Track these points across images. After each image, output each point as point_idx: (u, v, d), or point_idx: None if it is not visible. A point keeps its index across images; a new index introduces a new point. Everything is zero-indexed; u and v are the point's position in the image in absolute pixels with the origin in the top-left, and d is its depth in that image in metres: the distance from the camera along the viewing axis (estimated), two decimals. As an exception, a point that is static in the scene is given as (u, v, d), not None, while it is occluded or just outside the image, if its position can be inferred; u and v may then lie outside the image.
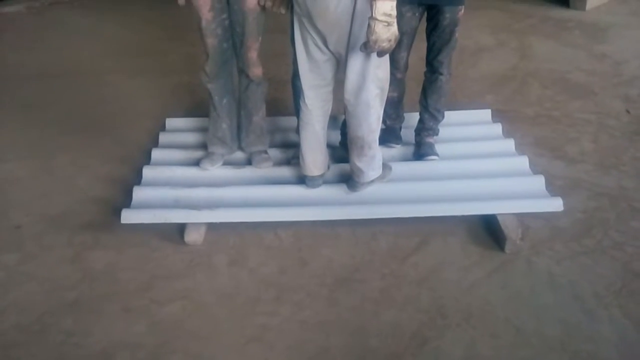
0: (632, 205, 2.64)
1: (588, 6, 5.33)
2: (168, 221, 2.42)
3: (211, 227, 2.47)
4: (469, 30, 4.55)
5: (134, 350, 1.96)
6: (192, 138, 3.02)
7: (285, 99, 3.37)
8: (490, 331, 2.00)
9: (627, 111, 3.52)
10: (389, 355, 1.92)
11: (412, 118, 2.99)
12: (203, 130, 3.05)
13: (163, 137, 3.04)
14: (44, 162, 3.04)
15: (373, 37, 1.99)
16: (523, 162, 2.75)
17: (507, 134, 3.08)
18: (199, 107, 3.56)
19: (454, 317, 2.06)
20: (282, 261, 2.34)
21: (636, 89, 3.79)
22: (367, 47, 2.05)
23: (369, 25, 1.99)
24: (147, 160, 2.88)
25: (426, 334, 1.99)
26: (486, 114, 3.23)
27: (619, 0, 5.63)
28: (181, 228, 2.47)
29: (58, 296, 2.18)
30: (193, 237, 2.40)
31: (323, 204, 2.50)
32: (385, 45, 2.01)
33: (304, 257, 2.36)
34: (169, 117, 3.29)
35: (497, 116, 3.27)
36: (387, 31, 1.98)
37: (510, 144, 2.92)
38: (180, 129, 3.13)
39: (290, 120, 3.12)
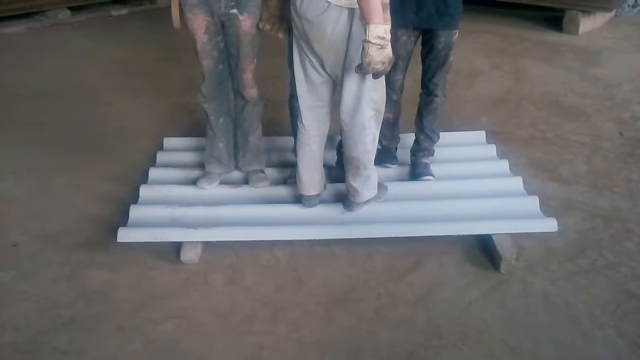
0: (625, 226, 2.66)
1: (581, 30, 5.44)
2: (164, 240, 2.42)
3: (207, 246, 2.48)
4: (464, 53, 4.62)
5: (128, 369, 1.95)
6: (189, 157, 3.04)
7: (282, 119, 3.40)
8: (486, 351, 2.00)
9: (621, 133, 3.56)
10: (385, 375, 1.92)
11: (407, 139, 3.03)
12: (200, 149, 3.07)
13: (161, 157, 3.06)
14: (42, 181, 3.05)
15: (367, 60, 2.02)
16: (517, 183, 2.78)
17: (501, 155, 3.11)
18: (196, 127, 3.59)
19: (450, 337, 2.06)
20: (278, 280, 2.34)
21: (629, 111, 3.85)
22: (362, 69, 2.08)
23: (362, 47, 2.03)
24: (145, 179, 2.90)
25: (422, 354, 1.99)
26: (481, 135, 3.27)
27: (610, 25, 5.75)
28: (177, 247, 2.47)
29: (53, 315, 2.17)
30: (189, 256, 2.40)
31: (319, 224, 2.51)
32: (379, 67, 2.04)
33: (300, 276, 2.36)
34: (166, 136, 3.32)
35: (491, 137, 3.31)
36: (380, 54, 2.01)
37: (504, 165, 2.95)
38: (177, 148, 3.15)
39: (287, 140, 3.14)
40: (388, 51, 2.03)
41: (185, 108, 3.91)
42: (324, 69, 2.32)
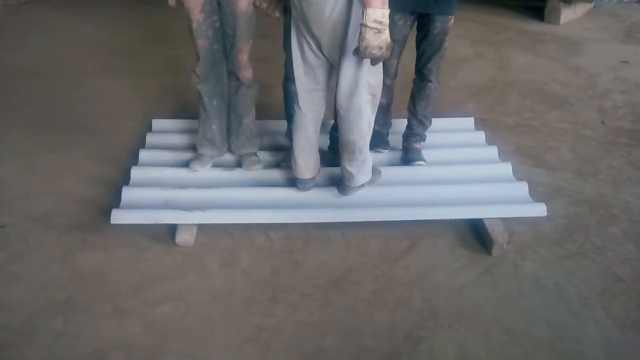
0: (610, 211, 2.73)
1: (562, 20, 5.51)
2: (159, 222, 2.40)
3: (202, 228, 2.47)
4: (449, 41, 4.63)
5: (128, 350, 1.94)
6: (179, 139, 3.01)
7: (271, 103, 3.39)
8: (481, 331, 2.05)
9: (602, 122, 3.65)
10: (384, 355, 1.95)
11: (398, 124, 3.05)
12: (190, 132, 3.05)
13: (150, 138, 3.02)
14: (27, 162, 2.98)
15: (364, 44, 2.02)
16: (506, 168, 2.83)
17: (489, 141, 3.16)
18: (183, 109, 3.56)
19: (446, 318, 2.10)
20: (274, 263, 2.35)
21: (610, 101, 3.94)
22: (359, 54, 2.08)
23: (360, 31, 2.02)
24: (134, 161, 2.86)
25: (420, 334, 2.03)
26: (469, 121, 3.31)
27: (590, 16, 5.83)
28: (171, 229, 2.46)
29: (47, 296, 2.14)
30: (184, 238, 2.38)
31: (315, 207, 2.52)
32: (376, 52, 2.04)
33: (296, 259, 2.37)
34: (153, 118, 3.27)
35: (478, 124, 3.35)
36: (377, 38, 2.01)
37: (493, 151, 2.99)
38: (167, 130, 3.11)
39: (278, 124, 3.14)
40: (385, 36, 2.03)
41: (172, 89, 3.85)
42: (321, 51, 2.31)
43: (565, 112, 3.77)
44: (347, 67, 2.25)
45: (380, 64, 2.25)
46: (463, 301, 2.18)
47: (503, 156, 3.03)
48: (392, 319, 2.09)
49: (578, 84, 4.21)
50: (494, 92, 4.06)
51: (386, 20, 2.01)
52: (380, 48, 2.04)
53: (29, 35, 4.81)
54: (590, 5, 5.85)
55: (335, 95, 2.35)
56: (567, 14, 5.57)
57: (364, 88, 2.29)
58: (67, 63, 4.23)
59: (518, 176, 2.84)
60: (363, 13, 1.99)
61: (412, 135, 2.89)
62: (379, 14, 1.98)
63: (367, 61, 2.19)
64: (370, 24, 1.98)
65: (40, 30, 4.95)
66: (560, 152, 3.28)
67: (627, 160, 3.19)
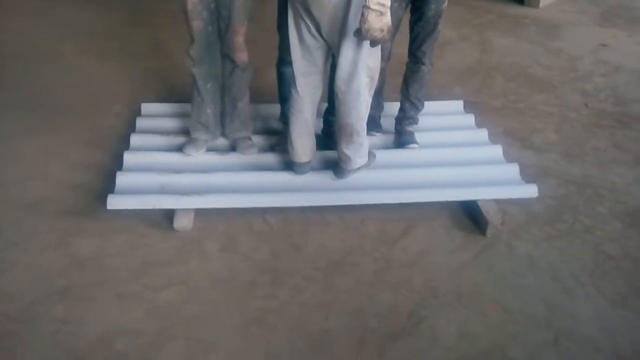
0: (597, 192, 2.81)
1: (541, 4, 5.58)
2: (157, 207, 2.38)
3: (199, 213, 2.45)
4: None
5: (133, 336, 1.93)
6: (170, 123, 2.97)
7: (261, 86, 3.36)
8: (480, 310, 2.10)
9: (585, 105, 3.73)
10: (388, 334, 1.99)
11: (390, 107, 3.06)
12: (181, 115, 3.02)
13: (140, 122, 2.97)
14: (13, 147, 2.91)
15: (365, 26, 2.02)
16: (497, 151, 2.88)
17: (477, 124, 3.20)
18: (170, 93, 3.51)
19: (446, 297, 2.15)
20: (274, 246, 2.36)
21: (592, 83, 4.02)
22: (360, 35, 2.08)
23: (362, 13, 2.02)
24: (124, 145, 2.82)
25: (421, 313, 2.07)
26: (459, 104, 3.34)
27: (568, 0, 5.91)
28: (167, 214, 2.44)
29: (46, 284, 2.11)
30: (183, 223, 2.37)
31: (311, 190, 2.53)
32: (378, 34, 2.05)
33: (295, 242, 2.38)
34: (139, 102, 3.22)
35: (466, 107, 3.39)
36: (379, 20, 2.02)
37: (483, 133, 3.04)
38: (157, 114, 3.07)
39: (269, 107, 3.12)
40: (387, 18, 2.04)
41: (156, 73, 3.79)
42: (320, 33, 2.31)
43: (549, 94, 3.84)
44: (347, 50, 2.25)
45: (379, 47, 2.26)
46: (461, 281, 2.23)
47: (492, 138, 3.07)
48: (394, 299, 2.12)
49: (560, 67, 4.28)
50: (479, 75, 4.11)
51: (388, 3, 2.01)
52: (382, 30, 2.04)
53: (3, 17, 4.65)
54: (568, -11, 5.93)
55: (334, 77, 2.34)
56: (547, -2, 5.64)
57: (363, 71, 2.29)
58: (46, 46, 4.11)
59: (507, 158, 2.89)
60: None
61: (404, 119, 2.91)
62: None
63: (366, 43, 2.19)
64: (373, 6, 1.98)
65: (13, 10, 4.78)
66: (546, 134, 3.34)
67: (611, 142, 3.27)
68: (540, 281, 2.26)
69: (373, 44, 2.15)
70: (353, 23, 2.16)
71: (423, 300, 2.13)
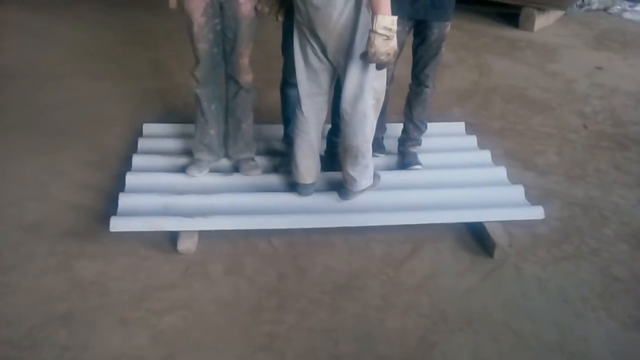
0: (601, 213, 2.80)
1: (536, 27, 5.66)
2: (161, 229, 2.34)
3: (203, 235, 2.41)
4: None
5: (137, 363, 1.88)
6: (172, 144, 2.95)
7: (261, 107, 3.34)
8: (491, 335, 2.07)
9: (585, 126, 3.75)
10: (399, 361, 1.95)
11: (392, 128, 3.06)
12: (183, 136, 2.99)
13: (142, 143, 2.94)
14: (13, 167, 2.87)
15: (372, 50, 2.03)
16: (501, 172, 2.87)
17: (479, 145, 3.20)
18: (171, 113, 3.50)
19: (456, 321, 2.11)
20: (279, 269, 2.32)
21: (589, 106, 4.05)
22: (366, 59, 2.09)
23: (369, 37, 2.03)
24: (125, 166, 2.79)
25: (432, 339, 2.03)
26: (460, 126, 3.35)
27: (561, 23, 6.00)
28: (170, 236, 2.40)
29: (47, 308, 2.05)
30: (186, 245, 2.33)
31: (316, 212, 2.50)
32: (384, 58, 2.06)
33: (300, 265, 2.35)
34: (139, 122, 3.20)
35: (467, 129, 3.39)
36: (386, 45, 2.02)
37: (486, 155, 3.04)
38: (158, 134, 3.04)
39: (271, 128, 3.11)
40: (394, 43, 2.05)
41: (156, 93, 3.78)
42: (326, 55, 2.30)
43: (548, 116, 3.86)
44: (353, 72, 2.24)
45: (385, 69, 2.26)
46: (470, 305, 2.20)
47: (494, 160, 3.07)
48: (403, 324, 2.09)
49: (557, 89, 4.32)
50: (478, 96, 4.13)
51: (395, 27, 2.02)
52: (388, 54, 2.05)
53: (2, 37, 4.63)
54: (561, 13, 6.02)
55: (340, 99, 2.34)
56: (541, 21, 5.72)
57: (369, 93, 2.29)
58: (45, 66, 4.09)
59: (510, 179, 2.89)
60: (373, 19, 2.00)
61: (408, 140, 2.91)
62: (388, 21, 1.99)
63: (372, 66, 2.19)
64: (380, 31, 1.99)
65: (12, 31, 4.78)
66: (547, 155, 3.35)
67: (611, 164, 3.28)
68: (551, 304, 2.23)
69: (379, 67, 2.15)
70: (359, 45, 2.17)
71: (433, 324, 2.09)
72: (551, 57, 5.01)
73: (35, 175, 2.82)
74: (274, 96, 2.99)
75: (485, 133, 3.50)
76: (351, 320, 2.09)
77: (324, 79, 2.39)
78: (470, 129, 3.39)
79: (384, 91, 2.39)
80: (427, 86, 2.77)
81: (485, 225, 2.51)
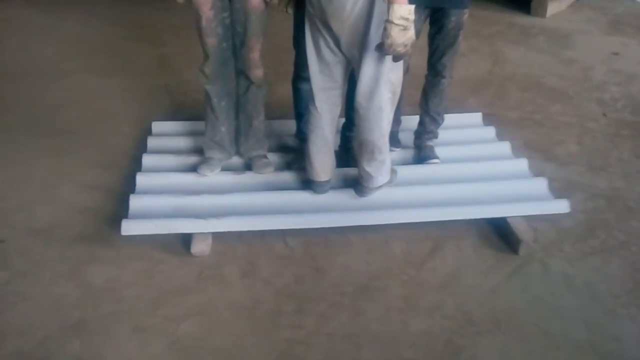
0: (627, 205, 2.71)
1: (548, 13, 5.52)
2: (174, 232, 2.27)
3: (217, 236, 2.34)
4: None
5: (154, 373, 1.81)
6: (182, 143, 2.87)
7: (270, 102, 3.26)
8: (520, 336, 1.99)
9: (604, 114, 3.64)
10: (426, 366, 1.87)
11: (406, 121, 2.97)
12: (193, 134, 2.92)
13: (152, 142, 2.86)
14: (21, 170, 2.80)
15: (388, 41, 1.93)
16: (522, 164, 2.77)
17: (497, 136, 3.11)
18: (179, 110, 3.42)
19: (483, 323, 2.03)
20: (296, 271, 2.24)
21: (608, 93, 3.93)
22: (382, 50, 1.99)
23: (385, 28, 1.94)
24: (135, 166, 2.72)
25: (459, 342, 1.95)
26: (477, 117, 3.25)
27: (574, 9, 5.86)
28: (184, 238, 2.33)
29: (59, 317, 1.99)
30: (200, 247, 2.26)
31: (333, 210, 2.42)
32: (401, 50, 1.96)
33: (318, 266, 2.27)
34: (147, 120, 3.13)
35: (484, 119, 3.29)
36: (403, 35, 1.93)
37: (506, 146, 2.94)
38: (168, 133, 2.97)
39: (284, 124, 3.03)
40: (411, 33, 1.95)
41: (164, 90, 3.70)
42: (339, 48, 2.21)
43: (566, 105, 3.75)
44: (368, 65, 2.15)
45: (402, 61, 2.16)
46: (496, 304, 2.12)
47: (513, 151, 2.98)
48: (428, 326, 2.01)
49: (573, 77, 4.20)
50: (493, 86, 4.02)
51: (412, 17, 1.92)
52: (406, 45, 1.96)
53: (6, 35, 4.56)
54: (574, -1, 5.89)
55: (355, 93, 2.25)
56: (553, 7, 5.58)
57: (385, 86, 2.20)
58: (50, 63, 4.02)
59: (531, 171, 2.79)
60: (389, 9, 1.90)
61: (424, 133, 2.82)
62: (405, 10, 1.89)
63: (388, 58, 2.10)
64: (396, 21, 1.89)
65: (17, 29, 4.70)
66: (568, 145, 3.25)
67: (633, 153, 3.18)
68: (580, 302, 2.14)
69: (396, 58, 2.06)
70: (374, 37, 2.07)
71: (459, 327, 2.01)
72: (565, 43, 4.88)
73: (43, 178, 2.75)
74: (285, 90, 2.90)
75: (503, 124, 3.40)
76: (373, 323, 2.02)
77: (338, 72, 2.30)
78: (487, 120, 3.30)
79: (401, 83, 2.30)
80: (444, 76, 2.68)
81: (509, 220, 2.42)
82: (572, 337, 1.99)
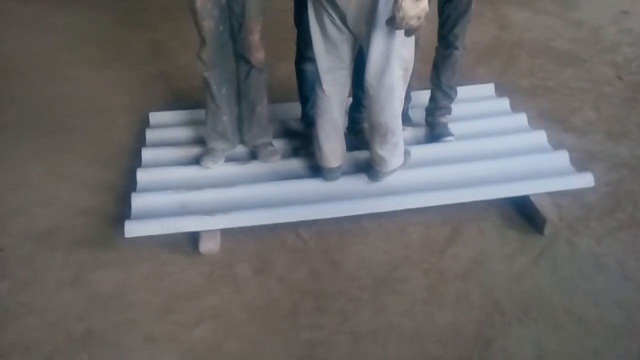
0: (652, 174, 2.58)
1: (552, -28, 5.28)
2: (180, 230, 2.15)
3: (225, 232, 2.23)
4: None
5: (169, 385, 1.71)
6: (182, 133, 2.74)
7: (271, 83, 3.11)
8: (552, 323, 1.89)
9: (619, 77, 3.48)
10: (455, 361, 1.77)
11: (417, 97, 2.82)
12: (193, 123, 2.79)
13: (150, 134, 2.73)
14: (18, 171, 2.68)
15: (400, 14, 1.78)
16: (541, 136, 2.64)
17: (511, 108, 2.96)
18: (177, 98, 3.28)
19: (512, 311, 1.93)
20: (311, 265, 2.14)
21: (621, 54, 3.77)
22: (393, 24, 1.84)
23: (395, 0, 1.78)
24: (135, 161, 2.59)
25: (488, 333, 1.85)
26: (489, 88, 3.10)
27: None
28: (191, 236, 2.22)
29: (66, 329, 1.89)
30: (209, 246, 2.15)
31: (346, 198, 2.30)
32: (414, 23, 1.81)
33: (334, 259, 2.16)
34: (144, 110, 2.99)
35: (496, 90, 3.15)
36: (415, 7, 1.77)
37: (522, 118, 2.80)
38: (167, 124, 2.83)
39: (287, 107, 2.89)
40: (424, 4, 1.80)
41: (159, 77, 3.55)
42: (345, 24, 2.06)
43: (579, 69, 3.60)
44: (378, 41, 2.00)
45: (414, 35, 2.01)
46: (525, 290, 2.01)
47: (530, 123, 2.84)
48: (454, 318, 1.90)
49: (584, 39, 4.03)
50: (502, 53, 3.86)
51: None
52: (419, 18, 1.80)
53: (-3, 30, 4.39)
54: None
55: (364, 72, 2.10)
56: (558, -34, 5.35)
57: (396, 63, 2.05)
58: (41, 56, 3.85)
59: (549, 143, 2.65)
60: None
61: (437, 109, 2.68)
62: None
63: (400, 33, 1.95)
64: None
65: (9, 23, 4.51)
66: (584, 112, 3.11)
67: (654, 117, 3.04)
68: (612, 282, 2.04)
69: (408, 33, 1.90)
70: (384, 10, 1.92)
71: (487, 317, 1.90)
72: (572, 4, 4.67)
73: (40, 179, 2.63)
74: (286, 70, 2.75)
75: (515, 93, 3.25)
76: (397, 318, 1.91)
77: (345, 51, 2.15)
78: (499, 90, 3.15)
79: (413, 59, 2.15)
80: (456, 47, 2.53)
81: (531, 198, 2.29)
82: (607, 321, 1.89)
